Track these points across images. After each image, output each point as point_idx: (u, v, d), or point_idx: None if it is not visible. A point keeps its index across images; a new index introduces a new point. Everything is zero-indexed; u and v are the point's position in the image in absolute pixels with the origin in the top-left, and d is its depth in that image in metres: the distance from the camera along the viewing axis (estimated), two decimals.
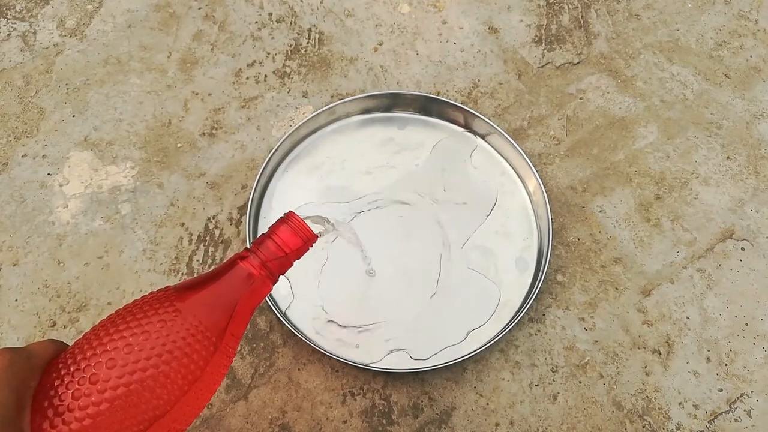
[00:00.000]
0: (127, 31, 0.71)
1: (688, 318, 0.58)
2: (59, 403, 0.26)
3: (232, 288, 0.32)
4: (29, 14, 0.72)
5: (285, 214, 0.35)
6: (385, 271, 0.58)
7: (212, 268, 0.50)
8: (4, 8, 0.72)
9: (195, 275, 0.56)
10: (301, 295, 0.56)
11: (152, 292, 0.31)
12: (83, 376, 0.27)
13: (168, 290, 0.31)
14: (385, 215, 0.60)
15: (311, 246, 0.35)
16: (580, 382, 0.55)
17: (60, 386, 0.26)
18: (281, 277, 0.34)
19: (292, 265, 0.35)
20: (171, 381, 0.28)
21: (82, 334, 0.29)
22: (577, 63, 0.72)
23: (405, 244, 0.59)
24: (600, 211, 0.63)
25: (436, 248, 0.59)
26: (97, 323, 0.30)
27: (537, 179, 0.60)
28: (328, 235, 0.58)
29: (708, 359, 0.56)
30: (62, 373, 0.27)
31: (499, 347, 0.56)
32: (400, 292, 0.57)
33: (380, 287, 0.57)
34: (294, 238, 0.34)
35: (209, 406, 0.52)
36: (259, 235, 0.59)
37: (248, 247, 0.34)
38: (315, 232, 0.35)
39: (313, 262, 0.57)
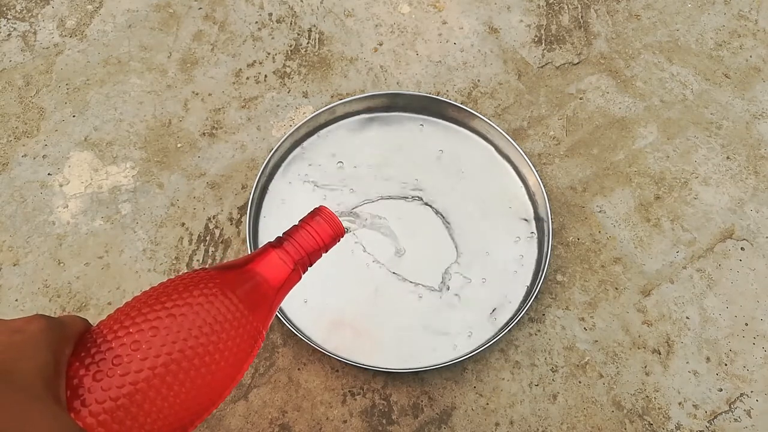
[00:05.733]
0: (128, 31, 0.71)
1: (687, 318, 0.58)
2: (97, 369, 0.25)
3: (268, 275, 0.32)
4: (29, 14, 0.72)
5: (317, 207, 0.36)
6: (385, 271, 0.58)
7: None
8: (5, 8, 0.72)
9: None
10: (301, 294, 0.56)
11: (187, 273, 0.31)
12: (123, 343, 0.26)
13: (206, 271, 0.31)
14: (385, 216, 0.60)
15: (339, 240, 0.36)
16: (579, 382, 0.55)
17: (97, 354, 0.25)
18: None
19: (320, 257, 0.35)
20: (210, 355, 0.27)
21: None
22: (577, 63, 0.72)
23: (405, 245, 0.59)
24: (600, 211, 0.63)
25: (437, 248, 0.59)
26: (130, 299, 0.29)
27: (537, 179, 0.60)
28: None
29: (708, 359, 0.56)
30: (98, 341, 0.26)
31: (499, 347, 0.56)
32: (400, 292, 0.57)
33: (381, 287, 0.57)
34: (327, 232, 0.35)
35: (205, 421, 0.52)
36: (258, 233, 0.59)
37: (280, 236, 0.34)
38: (344, 227, 0.36)
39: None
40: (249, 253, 0.39)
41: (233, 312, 0.29)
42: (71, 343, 0.26)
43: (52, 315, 0.56)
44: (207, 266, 0.36)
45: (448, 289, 0.57)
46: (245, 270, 0.32)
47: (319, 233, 0.34)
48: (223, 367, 0.28)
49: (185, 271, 0.58)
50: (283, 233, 0.34)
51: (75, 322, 0.27)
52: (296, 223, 0.35)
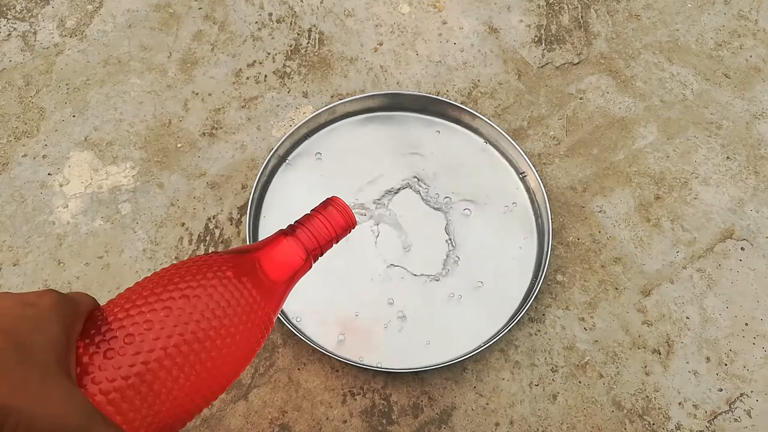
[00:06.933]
0: (128, 31, 0.71)
1: (687, 318, 0.58)
2: (108, 347, 0.25)
3: (281, 263, 0.32)
4: (29, 14, 0.72)
5: (329, 197, 0.35)
6: (386, 269, 0.58)
7: None
8: (5, 8, 0.72)
9: None
10: (301, 293, 0.56)
11: (199, 256, 0.31)
12: (135, 322, 0.25)
13: (220, 255, 0.30)
14: (385, 215, 0.60)
15: (350, 232, 0.36)
16: (579, 382, 0.55)
17: (108, 332, 0.25)
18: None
19: (331, 247, 0.35)
20: (222, 339, 0.27)
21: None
22: (577, 63, 0.72)
23: (405, 245, 0.59)
24: (600, 211, 0.63)
25: (437, 248, 0.59)
26: (141, 280, 0.29)
27: (537, 179, 0.60)
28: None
29: (708, 359, 0.56)
30: (109, 320, 0.26)
31: (499, 347, 0.56)
32: (400, 292, 0.57)
33: (381, 287, 0.57)
34: (339, 222, 0.34)
35: (210, 406, 0.52)
36: (258, 233, 0.59)
37: (291, 224, 0.34)
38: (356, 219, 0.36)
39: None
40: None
41: (246, 297, 0.29)
42: (81, 320, 0.25)
43: None
44: (219, 250, 0.36)
45: (448, 289, 0.57)
46: (259, 256, 0.31)
47: (331, 223, 0.34)
48: (234, 351, 0.28)
49: None
50: (295, 221, 0.34)
51: (85, 300, 0.26)
52: (308, 212, 0.35)
